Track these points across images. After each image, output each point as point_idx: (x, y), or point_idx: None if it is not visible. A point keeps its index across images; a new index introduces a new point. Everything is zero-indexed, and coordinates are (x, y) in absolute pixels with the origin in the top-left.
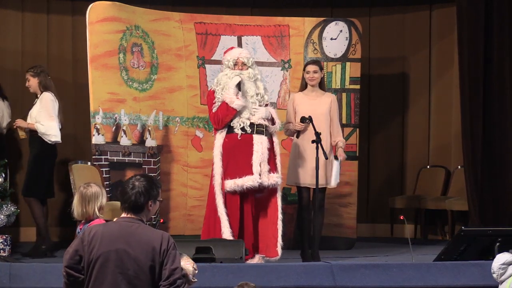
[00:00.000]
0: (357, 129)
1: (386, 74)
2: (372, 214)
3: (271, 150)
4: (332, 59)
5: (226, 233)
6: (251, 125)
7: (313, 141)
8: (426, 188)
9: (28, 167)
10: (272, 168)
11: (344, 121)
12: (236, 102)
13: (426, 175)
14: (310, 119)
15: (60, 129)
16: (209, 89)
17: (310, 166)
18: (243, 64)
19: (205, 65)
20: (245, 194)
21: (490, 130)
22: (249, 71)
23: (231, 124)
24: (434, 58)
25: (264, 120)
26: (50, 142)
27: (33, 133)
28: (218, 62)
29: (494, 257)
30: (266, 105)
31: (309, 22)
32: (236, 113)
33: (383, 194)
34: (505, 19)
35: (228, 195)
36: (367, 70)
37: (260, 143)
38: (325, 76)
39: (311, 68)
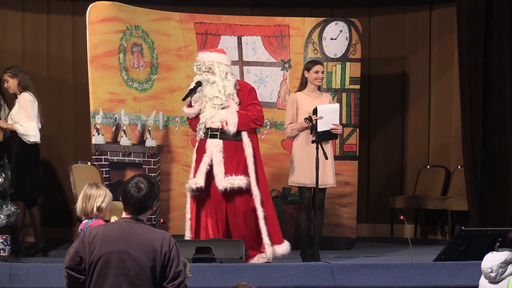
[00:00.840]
0: (357, 129)
1: (386, 74)
2: (372, 214)
3: (233, 152)
4: (332, 59)
5: (187, 237)
6: (206, 129)
7: (313, 141)
8: (426, 188)
9: (12, 170)
10: (233, 170)
11: (344, 121)
12: (185, 111)
13: (426, 175)
14: (310, 119)
15: (40, 129)
16: None
17: (312, 166)
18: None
19: None
20: (225, 195)
21: (490, 130)
22: (203, 76)
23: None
24: (434, 58)
25: (222, 123)
26: (28, 143)
27: (14, 134)
28: None
29: None
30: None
31: (309, 22)
32: (199, 118)
33: (383, 194)
34: (505, 19)
35: (203, 198)
36: (367, 70)
37: (210, 147)
38: (325, 76)
39: (320, 68)
